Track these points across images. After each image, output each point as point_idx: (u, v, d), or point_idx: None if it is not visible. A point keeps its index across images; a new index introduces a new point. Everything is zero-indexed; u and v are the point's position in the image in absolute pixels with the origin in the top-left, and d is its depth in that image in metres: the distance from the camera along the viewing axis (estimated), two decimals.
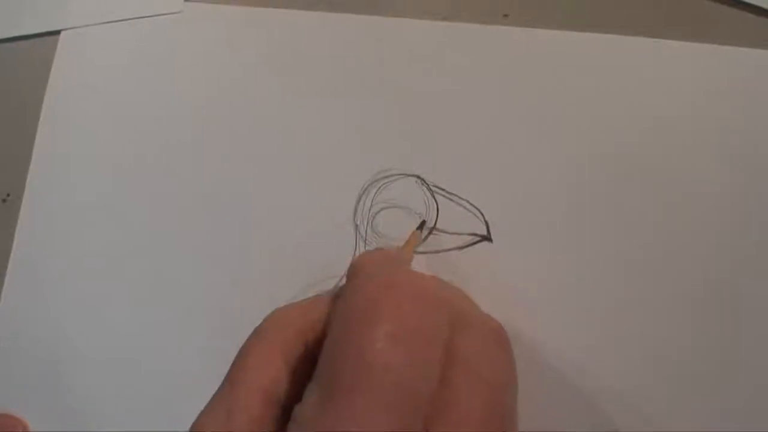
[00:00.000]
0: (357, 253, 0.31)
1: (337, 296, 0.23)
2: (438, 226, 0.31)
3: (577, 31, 0.33)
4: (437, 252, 0.30)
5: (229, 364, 0.23)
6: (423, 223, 0.31)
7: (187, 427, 0.30)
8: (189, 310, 0.32)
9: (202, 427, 0.22)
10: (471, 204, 0.31)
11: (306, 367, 0.22)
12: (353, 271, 0.23)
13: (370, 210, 0.31)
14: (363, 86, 0.34)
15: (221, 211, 0.33)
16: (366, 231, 0.31)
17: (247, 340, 0.24)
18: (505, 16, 0.34)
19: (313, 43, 0.35)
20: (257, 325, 0.24)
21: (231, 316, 0.31)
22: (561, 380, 0.28)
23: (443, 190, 0.31)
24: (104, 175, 0.34)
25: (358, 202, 0.32)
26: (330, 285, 0.31)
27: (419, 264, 0.30)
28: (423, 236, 0.31)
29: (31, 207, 0.34)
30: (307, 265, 0.31)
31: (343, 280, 0.29)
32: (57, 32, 0.36)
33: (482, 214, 0.31)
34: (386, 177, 0.32)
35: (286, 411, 0.21)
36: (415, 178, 0.32)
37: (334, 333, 0.21)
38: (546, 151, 0.32)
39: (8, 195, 0.34)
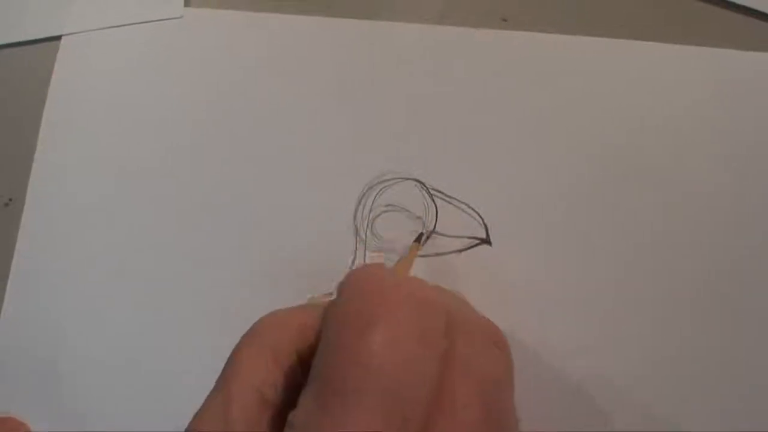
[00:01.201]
0: (356, 257, 0.31)
1: (331, 303, 0.23)
2: (437, 229, 0.31)
3: (575, 35, 0.33)
4: (437, 255, 0.31)
5: None
6: (421, 235, 0.31)
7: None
8: (189, 312, 0.32)
9: (200, 426, 0.22)
10: (470, 207, 0.31)
11: (297, 373, 0.23)
12: (346, 282, 0.23)
13: (369, 213, 0.32)
14: (362, 90, 0.34)
15: (221, 214, 0.33)
16: (365, 234, 0.31)
17: (240, 341, 0.24)
18: (504, 20, 0.34)
19: (313, 48, 0.35)
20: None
21: (231, 318, 0.31)
22: (560, 381, 0.29)
23: (442, 193, 0.31)
24: (105, 178, 0.34)
25: (357, 205, 0.32)
26: (330, 287, 0.31)
27: (419, 267, 0.30)
28: (423, 240, 0.31)
29: (32, 211, 0.34)
30: (307, 267, 0.31)
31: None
32: (58, 37, 0.37)
33: (481, 218, 0.31)
34: (386, 180, 0.32)
35: (278, 415, 0.22)
36: (414, 182, 0.32)
37: (329, 337, 0.21)
38: (544, 154, 0.32)
39: (10, 199, 0.34)
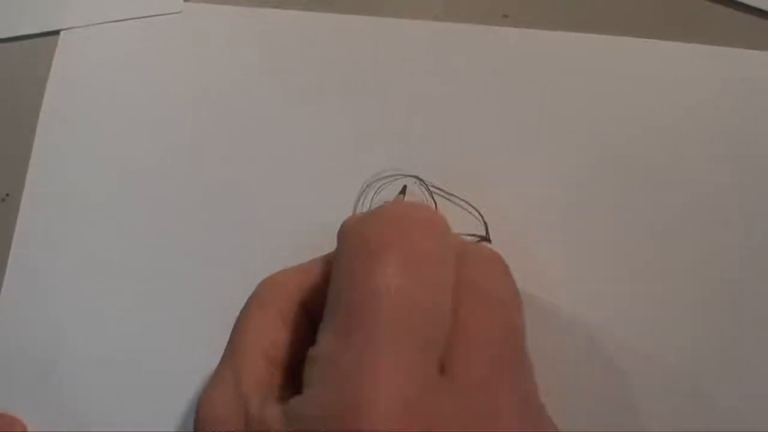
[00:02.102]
0: None
1: (342, 234, 0.22)
2: None
3: (577, 32, 0.33)
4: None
5: None
6: (405, 188, 0.31)
7: (187, 427, 0.30)
8: (189, 311, 0.32)
9: (212, 392, 0.22)
10: (469, 204, 0.31)
11: (305, 326, 0.22)
12: (344, 231, 0.23)
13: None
14: (362, 87, 0.34)
15: (220, 212, 0.33)
16: None
17: (244, 306, 0.24)
18: (505, 16, 0.34)
19: (313, 44, 0.35)
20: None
21: (231, 316, 0.30)
22: (560, 381, 0.28)
23: (442, 190, 0.31)
24: (103, 174, 0.34)
25: (356, 202, 0.32)
26: None
27: None
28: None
29: (30, 207, 0.34)
30: None
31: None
32: (56, 32, 0.36)
33: (481, 215, 0.31)
34: (385, 177, 0.32)
35: (291, 374, 0.21)
36: (413, 179, 0.32)
37: (342, 267, 0.21)
38: (544, 152, 0.32)
39: (7, 195, 0.34)
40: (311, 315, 0.23)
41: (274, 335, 0.22)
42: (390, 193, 0.32)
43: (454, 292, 0.21)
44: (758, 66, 0.32)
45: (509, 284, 0.23)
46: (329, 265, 0.23)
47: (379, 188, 0.32)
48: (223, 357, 0.23)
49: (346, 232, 0.22)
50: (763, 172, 0.31)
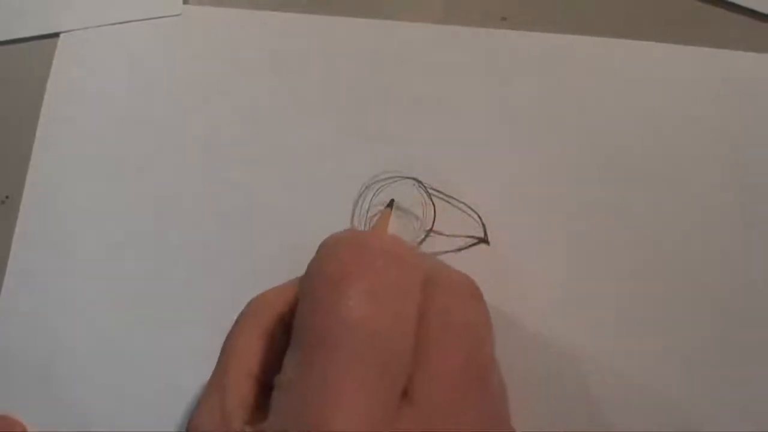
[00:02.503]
0: None
1: (309, 263, 0.23)
2: (435, 228, 0.31)
3: (575, 35, 0.33)
4: (434, 254, 0.30)
5: None
6: (392, 201, 0.31)
7: (186, 427, 0.30)
8: (188, 312, 0.32)
9: (200, 410, 0.22)
10: (468, 206, 0.31)
11: (285, 341, 0.23)
12: (323, 243, 0.23)
13: (367, 212, 0.31)
14: (361, 89, 0.34)
15: (219, 213, 0.33)
16: None
17: (232, 327, 0.24)
18: (504, 19, 0.34)
19: (311, 46, 0.35)
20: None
21: (229, 317, 0.31)
22: (559, 381, 0.29)
23: (440, 192, 0.31)
24: (103, 177, 0.34)
25: (355, 204, 0.32)
26: None
27: None
28: (420, 239, 0.31)
29: (29, 209, 0.34)
30: (304, 267, 0.31)
31: None
32: (56, 35, 0.36)
33: (479, 217, 0.31)
34: (384, 179, 0.32)
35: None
36: (412, 181, 0.32)
37: (306, 294, 0.21)
38: (543, 154, 0.32)
39: (7, 197, 0.34)
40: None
41: (258, 354, 0.23)
42: (389, 195, 0.32)
43: (420, 318, 0.21)
44: (755, 68, 0.32)
45: (479, 310, 0.23)
46: None
47: (377, 190, 0.32)
48: (212, 375, 0.23)
49: (313, 259, 0.23)
50: (760, 173, 0.31)
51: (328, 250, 0.22)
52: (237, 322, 0.24)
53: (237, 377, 0.22)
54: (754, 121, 0.31)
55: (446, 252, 0.31)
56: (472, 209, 0.31)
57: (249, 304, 0.25)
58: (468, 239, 0.31)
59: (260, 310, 0.24)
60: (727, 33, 0.33)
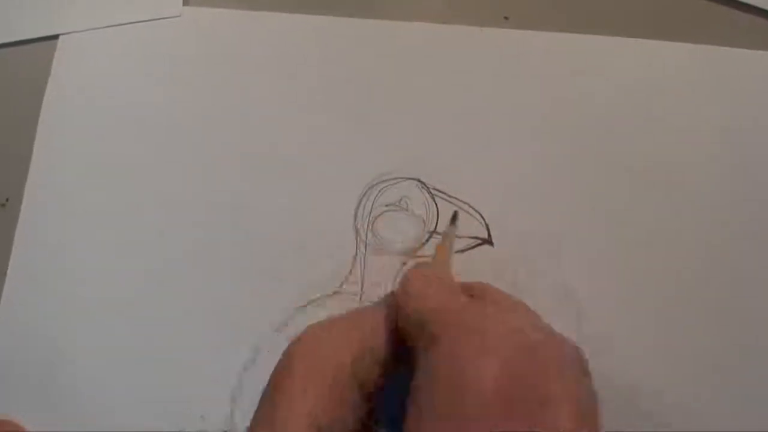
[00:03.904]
0: (358, 257, 0.31)
1: (391, 311, 0.23)
2: (438, 229, 0.31)
3: (577, 33, 0.33)
4: None
5: (228, 366, 0.23)
6: (456, 214, 0.31)
7: (186, 427, 0.30)
8: (188, 313, 0.31)
9: None
10: (471, 207, 0.31)
11: (356, 399, 0.22)
12: (405, 290, 0.23)
13: (370, 213, 0.31)
14: (363, 89, 0.34)
15: (220, 214, 0.33)
16: (366, 234, 0.31)
17: (284, 364, 0.22)
18: (506, 18, 0.34)
19: (312, 47, 0.35)
20: (291, 343, 0.23)
21: (231, 318, 0.31)
22: None
23: (444, 193, 0.31)
24: (102, 178, 0.34)
25: (358, 205, 0.32)
26: (331, 287, 0.31)
27: None
28: (424, 240, 0.31)
29: (30, 211, 0.34)
30: (308, 267, 0.31)
31: (350, 284, 0.30)
32: (55, 37, 0.36)
33: (483, 218, 0.31)
34: (387, 180, 0.32)
35: None
36: (415, 182, 0.32)
37: (437, 368, 0.21)
38: (546, 154, 0.32)
39: (7, 199, 0.34)
40: (360, 380, 0.22)
41: (317, 399, 0.21)
42: (392, 196, 0.32)
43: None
44: (760, 66, 0.32)
45: (592, 390, 0.23)
46: (380, 319, 0.23)
47: (380, 191, 0.32)
48: (262, 418, 0.22)
49: (446, 318, 0.22)
50: (762, 171, 0.31)
51: (466, 309, 0.22)
52: (292, 362, 0.22)
53: (293, 418, 0.21)
54: (756, 119, 0.31)
55: (450, 253, 0.30)
56: (475, 210, 0.31)
57: (304, 343, 0.23)
58: (471, 240, 0.30)
59: (321, 353, 0.23)
60: (729, 30, 0.33)
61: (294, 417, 0.21)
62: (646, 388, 0.28)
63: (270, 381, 0.22)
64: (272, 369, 0.23)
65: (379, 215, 0.31)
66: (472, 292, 0.24)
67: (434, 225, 0.31)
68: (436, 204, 0.31)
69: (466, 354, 0.20)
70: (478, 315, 0.22)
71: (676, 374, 0.28)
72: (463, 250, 0.30)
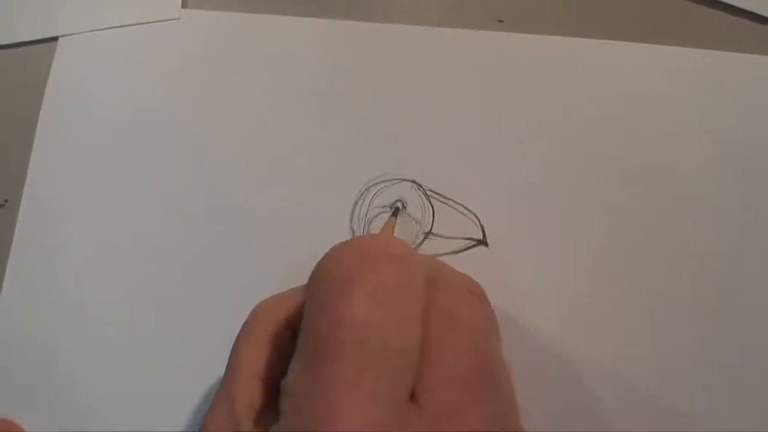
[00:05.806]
0: None
1: (313, 270, 0.23)
2: (434, 230, 0.31)
3: (571, 37, 0.33)
4: (433, 256, 0.31)
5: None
6: (397, 209, 0.31)
7: (186, 427, 0.30)
8: (186, 314, 0.32)
9: (210, 416, 0.22)
10: (466, 208, 0.31)
11: (289, 344, 0.23)
12: (328, 252, 0.23)
13: (366, 215, 0.32)
14: (359, 92, 0.34)
15: (217, 216, 0.33)
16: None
17: (238, 334, 0.24)
18: (500, 21, 0.34)
19: (309, 50, 0.35)
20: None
21: (228, 319, 0.30)
22: (559, 382, 0.29)
23: (439, 194, 0.31)
24: (102, 180, 0.34)
25: (354, 207, 0.32)
26: None
27: None
28: (419, 241, 0.31)
29: (28, 212, 0.34)
30: (303, 269, 0.31)
31: None
32: (54, 39, 0.36)
33: (478, 219, 0.31)
34: (382, 182, 0.32)
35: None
36: (410, 183, 0.32)
37: (312, 300, 0.22)
38: (541, 156, 0.32)
39: (6, 201, 0.34)
40: (295, 335, 0.23)
41: (266, 358, 0.23)
42: (388, 197, 0.32)
43: (424, 320, 0.21)
44: (751, 70, 0.32)
45: (483, 309, 0.24)
46: None
47: (376, 192, 0.32)
48: (219, 388, 0.23)
49: (316, 267, 0.23)
50: (757, 175, 0.31)
51: (333, 255, 0.22)
52: (243, 327, 0.24)
53: (245, 381, 0.22)
54: (752, 123, 0.31)
55: (445, 254, 0.31)
56: (470, 211, 0.31)
57: (254, 311, 0.25)
58: (466, 241, 0.31)
59: (266, 315, 0.24)
60: (723, 35, 0.33)
61: (241, 373, 0.23)
62: (645, 388, 0.28)
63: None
64: None
65: (375, 217, 0.31)
66: None
67: (429, 226, 0.31)
68: (431, 205, 0.31)
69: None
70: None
71: (675, 374, 0.28)
72: (458, 252, 0.31)
